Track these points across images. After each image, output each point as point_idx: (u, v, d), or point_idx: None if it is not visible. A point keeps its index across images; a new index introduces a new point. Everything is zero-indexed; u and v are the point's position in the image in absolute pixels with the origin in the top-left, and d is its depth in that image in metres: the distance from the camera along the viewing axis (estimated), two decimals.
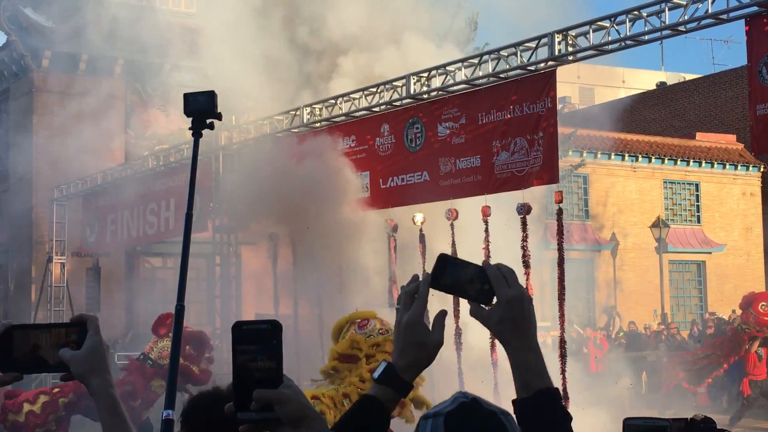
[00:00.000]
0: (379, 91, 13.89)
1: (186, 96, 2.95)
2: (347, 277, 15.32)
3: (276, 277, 16.41)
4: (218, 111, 2.98)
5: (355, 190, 14.60)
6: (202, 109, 2.97)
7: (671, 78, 51.30)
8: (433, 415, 1.76)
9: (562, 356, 11.54)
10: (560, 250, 11.75)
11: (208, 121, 2.99)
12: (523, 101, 11.94)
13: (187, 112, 2.97)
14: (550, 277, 26.81)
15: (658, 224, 29.18)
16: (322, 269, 15.48)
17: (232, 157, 17.08)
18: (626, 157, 31.72)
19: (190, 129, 2.99)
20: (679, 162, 32.55)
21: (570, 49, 11.54)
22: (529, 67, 11.93)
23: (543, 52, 11.77)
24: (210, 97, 2.97)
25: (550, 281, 27.04)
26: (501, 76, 12.31)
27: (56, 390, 12.83)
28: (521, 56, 12.02)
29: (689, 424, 2.72)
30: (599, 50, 11.44)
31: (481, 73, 12.52)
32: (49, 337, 1.99)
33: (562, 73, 12.94)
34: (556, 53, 11.52)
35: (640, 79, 57.14)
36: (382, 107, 13.93)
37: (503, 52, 12.29)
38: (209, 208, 18.11)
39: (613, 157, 31.44)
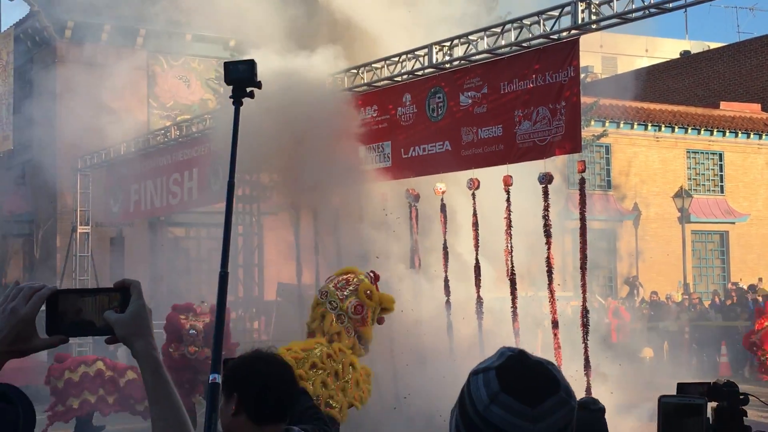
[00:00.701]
0: (401, 60, 13.87)
1: (226, 65, 3.00)
2: (369, 247, 15.37)
3: (298, 247, 16.48)
4: (258, 80, 3.02)
5: (376, 159, 14.63)
6: (242, 77, 3.02)
7: (695, 47, 50.85)
8: (482, 370, 1.75)
9: (584, 326, 11.57)
10: (582, 220, 11.75)
11: (249, 89, 3.03)
12: (546, 70, 11.89)
13: (228, 80, 3.02)
14: (572, 246, 26.92)
15: (680, 194, 29.03)
16: (344, 239, 15.53)
17: (252, 125, 17.08)
18: (649, 127, 31.54)
19: (231, 97, 3.04)
20: (702, 131, 32.33)
21: (593, 17, 11.46)
22: (551, 36, 11.87)
23: (566, 21, 11.71)
24: (250, 66, 3.02)
25: (572, 251, 27.14)
26: (523, 45, 12.26)
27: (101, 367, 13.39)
28: (544, 25, 11.96)
29: (712, 388, 2.76)
30: (623, 18, 11.35)
31: (503, 42, 12.47)
32: (93, 301, 2.03)
33: (585, 42, 12.86)
34: (579, 22, 11.45)
35: (663, 48, 56.63)
36: (404, 77, 13.91)
37: (526, 21, 12.23)
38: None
39: (635, 126, 31.27)
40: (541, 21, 11.96)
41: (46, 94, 24.80)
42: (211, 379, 2.43)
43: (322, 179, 15.10)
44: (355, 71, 14.65)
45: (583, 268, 11.68)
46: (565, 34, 11.76)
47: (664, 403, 2.58)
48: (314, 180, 15.23)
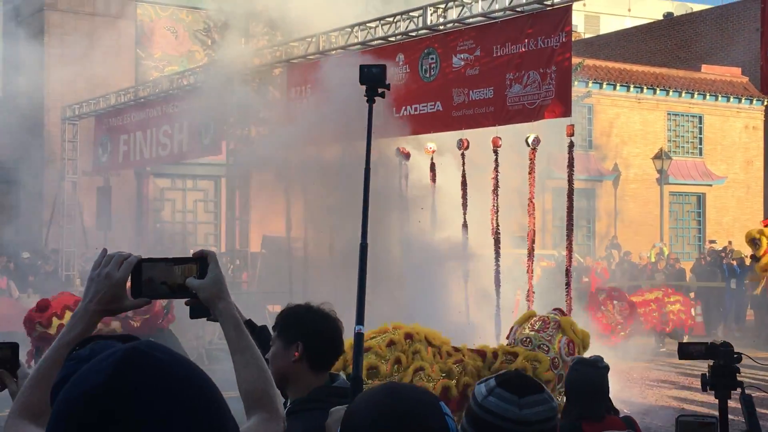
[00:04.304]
0: (395, 21, 14.08)
1: (362, 67, 3.40)
2: (358, 204, 15.65)
3: (289, 201, 16.74)
4: (387, 82, 3.41)
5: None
6: (374, 79, 3.43)
7: (678, 8, 51.10)
8: (484, 380, 2.26)
9: (568, 285, 11.97)
10: (570, 182, 12.12)
11: (380, 90, 3.44)
12: (538, 35, 12.16)
13: (362, 81, 3.41)
14: (552, 206, 27.38)
15: (660, 156, 29.49)
16: (333, 195, 15.81)
17: (247, 81, 17.29)
18: (631, 89, 31.88)
19: (365, 96, 3.42)
20: (683, 94, 32.72)
21: None
22: (545, 2, 12.12)
23: None
24: (382, 69, 3.43)
25: (552, 210, 27.58)
26: (517, 9, 12.50)
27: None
28: None
29: (709, 347, 3.14)
30: None
31: (497, 7, 12.71)
32: (174, 268, 2.29)
33: None
34: None
35: (646, 8, 56.85)
36: (398, 37, 14.13)
37: None
38: (223, 130, 18.40)
39: (618, 88, 31.60)
40: None
41: (35, 42, 24.76)
42: (356, 330, 2.94)
43: (313, 135, 15.33)
44: (349, 30, 14.84)
45: (569, 229, 12.05)
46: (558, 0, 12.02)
47: (682, 422, 3.05)
48: (305, 136, 15.45)
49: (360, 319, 3.00)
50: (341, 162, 15.65)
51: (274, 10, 17.93)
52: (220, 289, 2.29)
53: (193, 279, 2.28)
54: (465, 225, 13.62)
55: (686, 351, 3.29)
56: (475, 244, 14.48)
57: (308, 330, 3.32)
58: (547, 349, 8.52)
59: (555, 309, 9.35)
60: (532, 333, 8.71)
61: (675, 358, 4.26)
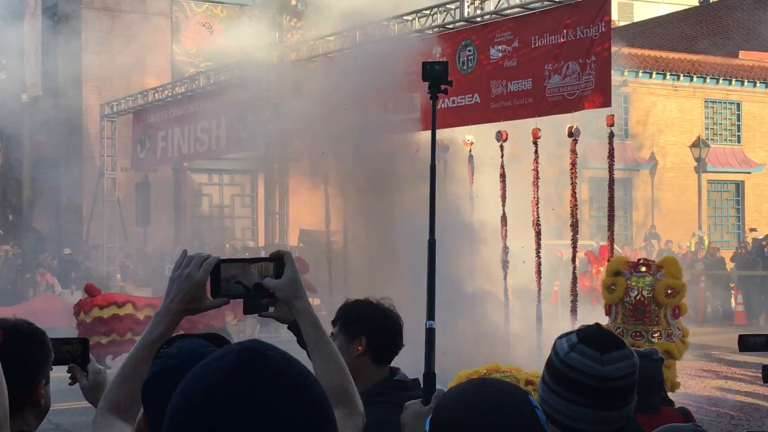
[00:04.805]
0: (432, 13, 14.07)
1: (424, 64, 3.46)
2: (396, 195, 15.68)
3: (327, 195, 16.79)
4: (450, 79, 3.46)
5: (405, 109, 14.89)
6: (437, 76, 3.49)
7: None
8: (566, 334, 2.24)
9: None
10: (611, 172, 12.04)
11: (443, 87, 3.50)
12: (577, 25, 12.12)
13: (424, 78, 3.48)
14: (589, 195, 27.19)
15: (698, 144, 29.20)
16: (371, 187, 15.83)
17: (284, 76, 17.36)
18: (668, 76, 31.58)
19: (428, 93, 3.47)
20: (720, 81, 32.35)
21: None
22: None
23: None
24: (444, 66, 3.49)
25: (588, 200, 27.39)
26: (555, 0, 12.46)
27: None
28: None
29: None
30: None
31: None
32: (251, 269, 2.32)
33: None
34: None
35: None
36: (435, 30, 14.12)
37: None
38: (260, 124, 18.49)
39: (654, 76, 31.32)
40: None
41: (73, 40, 25.02)
42: (428, 325, 2.97)
43: (351, 129, 15.36)
44: (386, 23, 14.85)
45: (610, 219, 11.99)
46: None
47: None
48: (343, 129, 15.48)
49: (431, 314, 3.03)
50: (378, 155, 15.67)
51: (309, 3, 18.01)
52: (297, 288, 2.32)
53: (270, 279, 2.31)
54: (504, 217, 13.59)
55: (747, 343, 3.29)
56: (512, 236, 14.49)
57: (371, 325, 3.38)
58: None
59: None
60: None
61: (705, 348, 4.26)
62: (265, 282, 2.31)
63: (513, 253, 13.97)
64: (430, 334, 2.95)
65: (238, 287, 2.31)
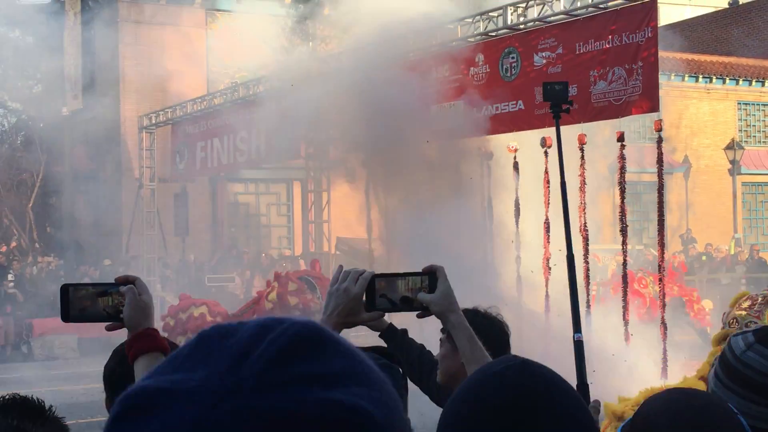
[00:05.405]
0: (474, 21, 14.13)
1: (545, 84, 3.53)
2: (441, 202, 15.74)
3: (369, 203, 16.87)
4: (570, 99, 3.51)
5: (450, 118, 14.96)
6: (558, 95, 3.57)
7: None
8: (741, 333, 2.25)
9: (660, 280, 11.94)
10: (660, 177, 12.09)
11: (564, 106, 3.57)
12: (623, 31, 12.15)
13: (545, 98, 3.55)
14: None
15: (732, 146, 29.06)
16: (415, 194, 15.89)
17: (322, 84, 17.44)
18: (700, 79, 31.46)
19: (550, 111, 3.52)
20: (754, 83, 32.18)
21: None
22: None
23: None
24: (564, 86, 3.58)
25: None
26: (600, 6, 12.49)
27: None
28: None
29: None
30: None
31: (579, 4, 12.70)
32: (406, 283, 2.39)
33: None
34: None
35: None
36: (477, 38, 14.18)
37: None
38: (299, 133, 18.61)
39: (686, 78, 31.21)
40: None
41: (109, 53, 25.28)
42: (575, 338, 2.98)
43: (393, 136, 15.43)
44: (429, 31, 14.92)
45: (660, 223, 12.00)
46: None
47: None
48: (385, 136, 15.56)
49: (577, 327, 3.08)
50: (420, 163, 15.74)
51: (344, 13, 18.08)
52: (451, 302, 2.38)
53: (424, 293, 2.36)
54: (547, 222, 13.62)
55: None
56: (555, 241, 14.48)
57: (478, 333, 3.44)
58: (755, 324, 8.77)
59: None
60: (741, 312, 8.97)
61: None
62: (419, 297, 2.37)
63: (553, 260, 13.99)
64: (579, 346, 2.99)
65: (391, 301, 2.37)
